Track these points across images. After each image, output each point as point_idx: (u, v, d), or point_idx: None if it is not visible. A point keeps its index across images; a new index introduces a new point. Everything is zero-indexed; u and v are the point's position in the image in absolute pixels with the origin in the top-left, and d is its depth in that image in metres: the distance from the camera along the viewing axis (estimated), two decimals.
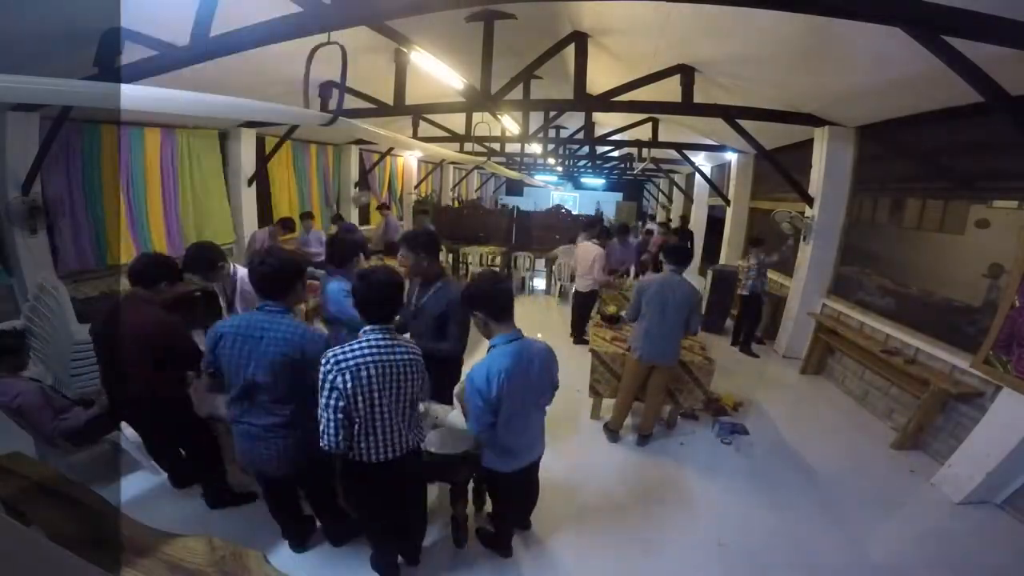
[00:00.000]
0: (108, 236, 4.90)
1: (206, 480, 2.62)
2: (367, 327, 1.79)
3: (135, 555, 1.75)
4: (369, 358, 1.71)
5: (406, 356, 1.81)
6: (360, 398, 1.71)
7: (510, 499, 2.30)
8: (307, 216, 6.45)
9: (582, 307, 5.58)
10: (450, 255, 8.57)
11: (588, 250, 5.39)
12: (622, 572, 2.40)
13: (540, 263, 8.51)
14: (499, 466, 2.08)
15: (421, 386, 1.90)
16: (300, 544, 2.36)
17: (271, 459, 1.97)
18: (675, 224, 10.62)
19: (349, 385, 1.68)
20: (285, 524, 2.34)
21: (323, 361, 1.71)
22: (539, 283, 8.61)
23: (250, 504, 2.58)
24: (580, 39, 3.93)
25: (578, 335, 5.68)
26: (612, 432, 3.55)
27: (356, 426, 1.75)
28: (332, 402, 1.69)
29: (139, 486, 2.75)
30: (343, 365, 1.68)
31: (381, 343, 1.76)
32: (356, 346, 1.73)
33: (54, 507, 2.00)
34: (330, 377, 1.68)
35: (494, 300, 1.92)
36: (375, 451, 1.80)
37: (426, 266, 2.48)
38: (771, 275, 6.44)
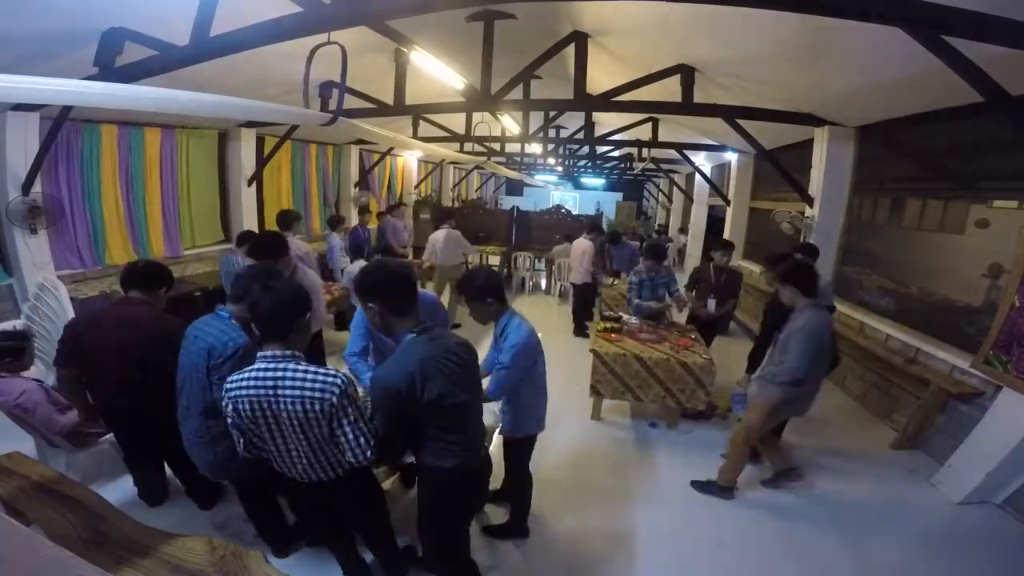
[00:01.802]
0: (107, 236, 4.91)
1: (190, 483, 2.58)
2: (261, 351, 1.59)
3: (135, 555, 1.75)
4: (245, 391, 1.53)
5: (289, 392, 1.50)
6: (247, 428, 1.61)
7: (524, 469, 2.44)
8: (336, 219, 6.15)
9: (580, 299, 6.11)
10: None
11: (580, 244, 6.00)
12: (622, 572, 2.40)
13: (540, 263, 8.51)
14: (532, 429, 2.32)
15: (328, 425, 1.56)
16: (279, 551, 2.29)
17: (199, 461, 2.00)
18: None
19: (233, 415, 1.59)
20: (259, 529, 2.30)
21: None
22: (539, 283, 8.61)
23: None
24: (580, 39, 3.92)
25: (578, 327, 6.07)
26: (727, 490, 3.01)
27: (261, 449, 1.68)
28: (231, 428, 1.63)
29: None
30: (227, 393, 1.57)
31: (261, 375, 1.53)
32: (244, 374, 1.56)
33: (54, 507, 2.00)
34: (222, 402, 1.60)
35: (498, 287, 2.15)
36: (285, 471, 1.72)
37: None
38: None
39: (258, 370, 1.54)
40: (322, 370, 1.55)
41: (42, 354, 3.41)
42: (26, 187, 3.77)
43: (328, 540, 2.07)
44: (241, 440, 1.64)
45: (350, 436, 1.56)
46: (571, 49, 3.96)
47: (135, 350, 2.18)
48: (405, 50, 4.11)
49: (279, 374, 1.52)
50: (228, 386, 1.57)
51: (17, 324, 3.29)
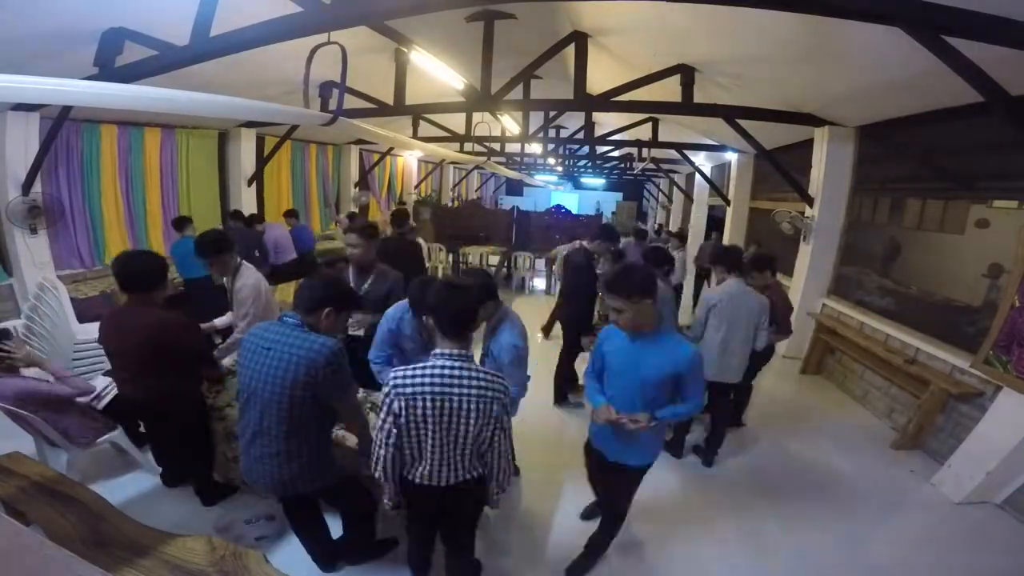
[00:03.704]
0: (107, 236, 4.91)
1: (198, 478, 2.60)
2: (437, 349, 1.58)
3: (135, 555, 1.75)
4: (427, 388, 1.51)
5: (475, 392, 1.52)
6: (411, 428, 1.56)
7: None
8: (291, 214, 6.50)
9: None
10: (450, 254, 8.60)
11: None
12: (622, 571, 2.40)
13: (540, 263, 8.51)
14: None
15: (492, 426, 1.59)
16: (327, 567, 2.21)
17: (265, 479, 1.84)
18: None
19: (403, 413, 1.54)
20: (306, 544, 2.19)
21: (386, 381, 1.59)
22: (539, 283, 8.61)
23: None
24: (580, 39, 3.93)
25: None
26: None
27: (407, 452, 1.62)
28: (387, 426, 1.55)
29: (139, 486, 2.75)
30: (398, 390, 1.53)
31: (446, 372, 1.52)
32: (418, 371, 1.54)
33: (54, 507, 2.00)
34: (387, 400, 1.55)
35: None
36: (419, 476, 1.65)
37: None
38: None
39: (438, 367, 1.53)
40: (491, 372, 1.60)
41: (43, 354, 3.41)
42: (26, 187, 3.78)
43: (416, 545, 1.98)
44: (381, 451, 1.57)
45: (504, 441, 1.63)
46: (571, 49, 3.96)
47: (133, 352, 2.20)
48: (405, 50, 4.11)
49: (463, 372, 1.53)
50: (399, 383, 1.52)
51: (17, 324, 3.30)
